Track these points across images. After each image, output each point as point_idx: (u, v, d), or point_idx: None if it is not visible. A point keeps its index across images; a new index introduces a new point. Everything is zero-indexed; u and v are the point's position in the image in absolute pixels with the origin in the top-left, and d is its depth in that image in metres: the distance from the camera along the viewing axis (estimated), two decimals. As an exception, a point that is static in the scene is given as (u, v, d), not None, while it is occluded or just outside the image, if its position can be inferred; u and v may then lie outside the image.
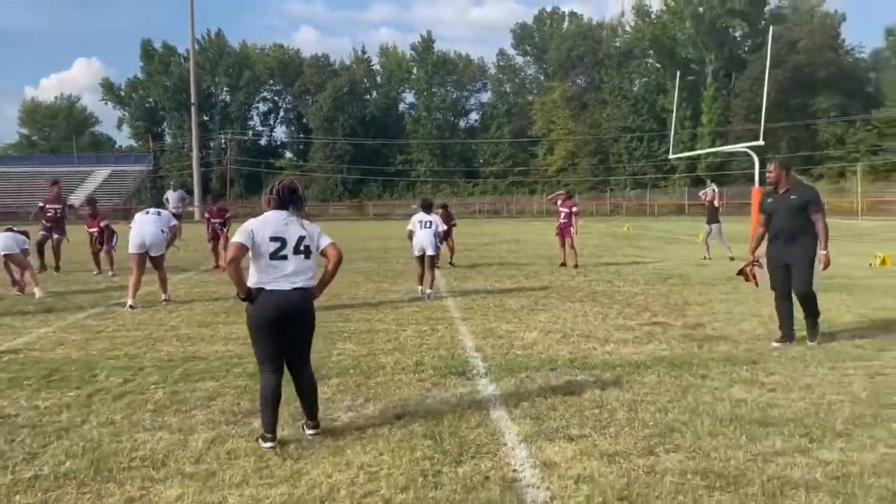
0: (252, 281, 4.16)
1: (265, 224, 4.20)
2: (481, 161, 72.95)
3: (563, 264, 13.99)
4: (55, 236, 14.09)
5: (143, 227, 9.51)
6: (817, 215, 6.57)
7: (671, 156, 36.08)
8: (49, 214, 14.26)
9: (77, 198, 62.47)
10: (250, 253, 4.15)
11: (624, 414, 4.63)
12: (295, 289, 4.15)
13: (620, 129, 64.89)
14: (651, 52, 67.89)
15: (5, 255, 10.35)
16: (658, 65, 67.50)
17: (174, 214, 11.92)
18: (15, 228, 11.02)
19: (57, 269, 13.70)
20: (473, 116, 79.28)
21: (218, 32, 77.13)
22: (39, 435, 4.33)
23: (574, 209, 14.25)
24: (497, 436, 4.26)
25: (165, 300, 9.67)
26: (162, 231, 9.65)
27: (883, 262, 13.63)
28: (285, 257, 4.16)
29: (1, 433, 4.37)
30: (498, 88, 76.06)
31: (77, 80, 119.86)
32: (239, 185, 70.72)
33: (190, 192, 47.36)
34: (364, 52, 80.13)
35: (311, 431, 4.28)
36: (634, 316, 8.38)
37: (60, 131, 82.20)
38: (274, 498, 3.42)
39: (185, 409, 4.85)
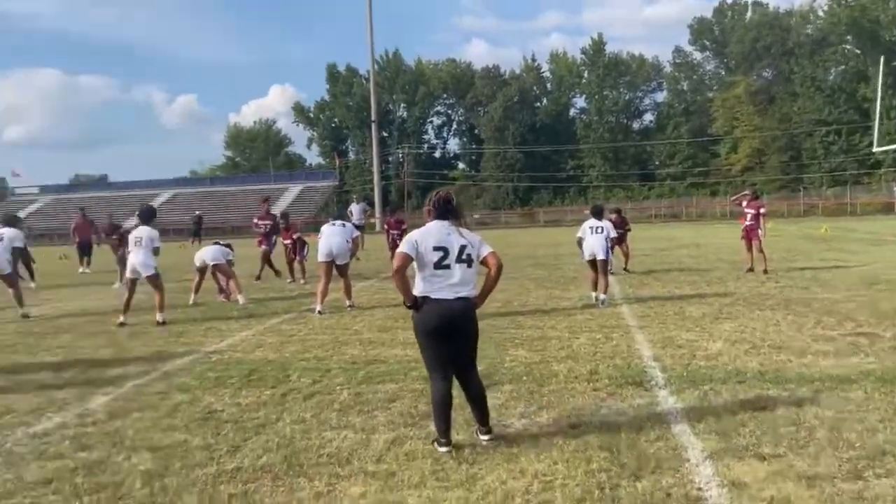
0: (418, 290, 4.27)
1: (428, 234, 4.30)
2: (657, 163, 70.18)
3: (751, 269, 13.04)
4: (263, 248, 15.47)
5: (330, 238, 10.17)
6: None
7: (876, 149, 32.62)
8: (260, 230, 15.74)
9: (275, 212, 67.94)
10: (415, 263, 4.26)
11: (825, 433, 4.20)
12: (458, 298, 4.20)
13: (814, 123, 59.56)
14: (849, 37, 61.59)
15: (213, 266, 11.51)
16: (857, 50, 61.14)
17: (357, 226, 12.62)
18: (221, 242, 12.24)
19: (258, 277, 14.99)
20: (648, 117, 76.56)
21: (395, 52, 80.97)
22: (241, 430, 4.74)
23: (761, 210, 13.26)
24: (679, 451, 4.03)
25: (350, 306, 10.25)
26: (346, 241, 10.26)
27: None
28: (448, 266, 4.22)
29: (209, 427, 4.83)
30: (674, 87, 72.82)
31: (273, 105, 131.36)
32: (416, 197, 73.56)
33: (371, 205, 50.03)
34: (534, 59, 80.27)
35: (484, 437, 4.31)
36: (836, 326, 7.61)
37: (259, 152, 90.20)
38: (451, 501, 3.48)
39: (368, 409, 5.09)
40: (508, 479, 3.70)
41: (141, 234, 9.61)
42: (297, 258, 14.52)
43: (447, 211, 4.38)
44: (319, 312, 9.75)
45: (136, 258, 9.50)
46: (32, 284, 15.18)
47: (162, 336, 8.54)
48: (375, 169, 60.83)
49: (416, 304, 4.25)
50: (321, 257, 10.12)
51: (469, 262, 4.27)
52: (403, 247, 4.29)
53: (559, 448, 4.13)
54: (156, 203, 69.31)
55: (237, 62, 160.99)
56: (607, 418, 4.68)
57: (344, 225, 10.55)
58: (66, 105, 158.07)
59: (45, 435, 4.76)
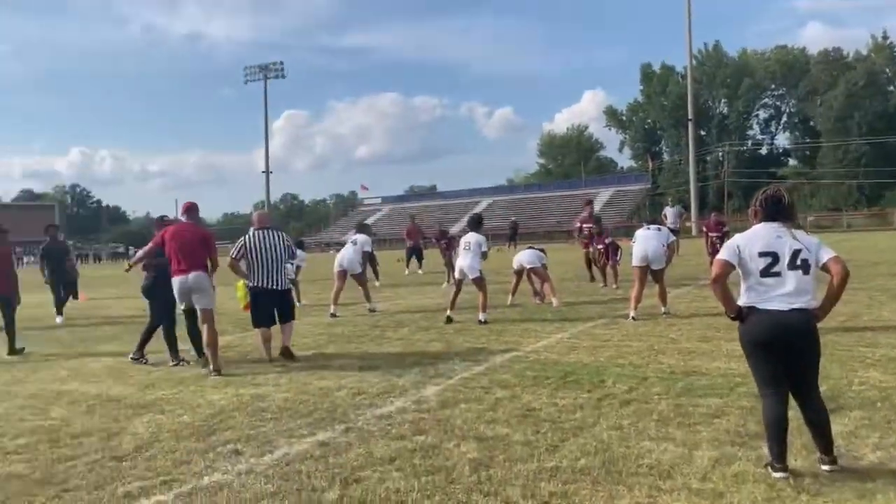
0: (743, 300, 3.89)
1: (754, 238, 3.89)
2: None
3: None
4: (592, 250, 15.74)
5: (646, 243, 9.91)
6: None
7: None
8: (585, 232, 16.04)
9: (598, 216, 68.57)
10: (739, 271, 3.90)
11: None
12: (793, 310, 3.72)
13: None
14: None
15: (529, 268, 11.97)
16: None
17: (672, 230, 12.12)
18: (535, 246, 12.69)
19: (592, 279, 15.32)
20: None
21: (715, 45, 76.33)
22: (558, 430, 4.81)
23: None
24: None
25: (665, 313, 9.87)
26: (662, 245, 9.92)
27: None
28: (779, 274, 3.77)
29: (528, 424, 4.99)
30: None
31: (585, 110, 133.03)
32: (737, 198, 68.32)
33: (686, 208, 47.77)
34: (885, 37, 69.36)
35: (826, 466, 3.78)
36: None
37: (571, 158, 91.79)
38: (788, 535, 3.12)
39: (689, 423, 4.81)
40: (862, 520, 3.20)
41: (470, 239, 10.42)
42: (610, 263, 14.42)
43: (777, 211, 3.93)
44: (633, 318, 9.55)
45: (465, 261, 10.29)
46: (377, 283, 17.31)
47: (483, 334, 9.10)
48: (692, 170, 57.94)
49: (741, 314, 3.90)
50: (636, 262, 9.91)
51: (805, 268, 3.78)
52: (724, 253, 3.97)
53: (930, 492, 3.46)
54: (476, 210, 74.64)
55: (550, 72, 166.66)
56: None
57: (659, 229, 10.24)
58: (404, 124, 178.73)
59: (388, 417, 5.35)
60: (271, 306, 7.96)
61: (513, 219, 45.80)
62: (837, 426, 4.12)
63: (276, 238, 8.03)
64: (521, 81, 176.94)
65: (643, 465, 4.04)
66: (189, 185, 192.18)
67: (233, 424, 5.34)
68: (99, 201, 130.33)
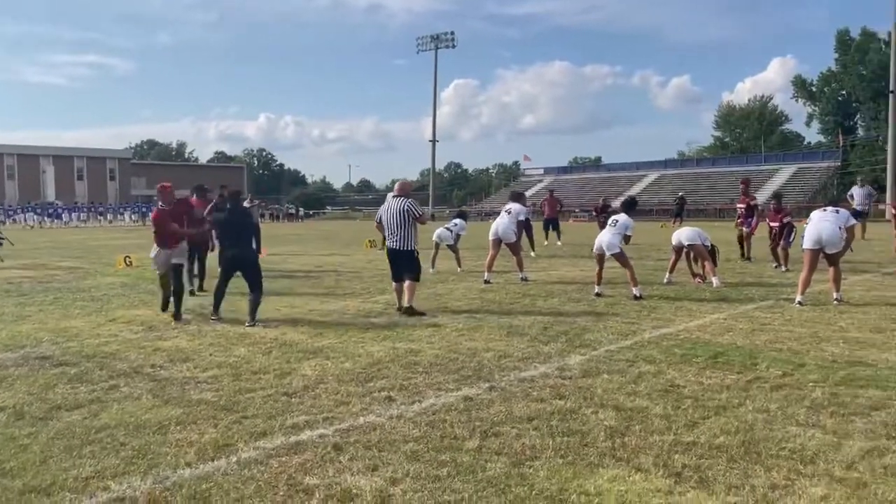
0: None
1: None
2: None
3: None
4: (745, 230, 15.19)
5: (819, 224, 9.30)
6: None
7: None
8: (739, 212, 15.56)
9: (762, 196, 64.39)
10: None
11: None
12: None
13: None
14: None
15: (688, 245, 11.60)
16: None
17: (858, 212, 11.23)
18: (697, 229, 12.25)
19: (747, 258, 14.91)
20: None
21: (928, 6, 67.62)
22: (700, 408, 4.79)
23: None
24: None
25: (837, 300, 9.23)
26: (839, 229, 9.25)
27: None
28: None
29: (669, 399, 5.01)
30: None
31: (772, 80, 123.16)
32: (945, 180, 60.85)
33: (881, 188, 43.34)
34: None
35: None
36: None
37: (752, 132, 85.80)
38: (935, 532, 2.99)
39: (843, 412, 4.61)
40: None
41: (619, 218, 10.46)
42: (782, 244, 13.58)
43: None
44: (800, 304, 9.03)
45: (605, 237, 10.36)
46: (532, 254, 17.47)
47: (635, 309, 9.02)
48: (890, 147, 52.17)
49: None
50: (807, 244, 9.33)
51: None
52: None
53: None
54: (642, 184, 72.23)
55: (734, 38, 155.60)
56: None
57: (837, 211, 9.53)
58: (572, 93, 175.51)
59: (530, 380, 5.57)
60: (397, 264, 9.00)
61: (680, 194, 43.90)
62: None
63: (400, 205, 8.95)
64: (703, 48, 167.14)
65: (785, 449, 3.97)
66: (363, 150, 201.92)
67: (387, 374, 5.81)
68: (281, 165, 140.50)
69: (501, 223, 12.52)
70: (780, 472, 3.66)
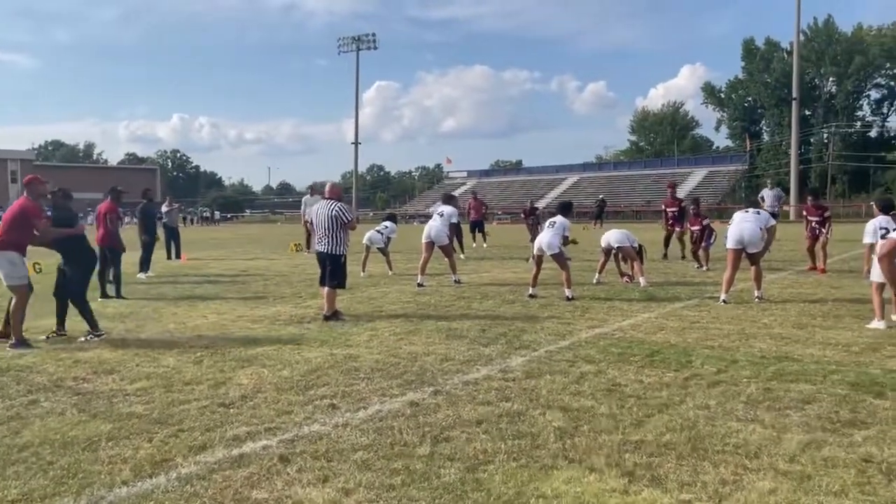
0: None
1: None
2: None
3: None
4: (678, 229, 15.79)
5: (741, 225, 9.67)
6: None
7: None
8: (669, 215, 16.10)
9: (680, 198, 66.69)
10: None
11: None
12: None
13: None
14: None
15: (617, 247, 11.88)
16: None
17: (771, 214, 11.75)
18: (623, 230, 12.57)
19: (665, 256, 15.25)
20: None
21: (827, 20, 71.98)
22: (644, 406, 4.86)
23: None
24: None
25: (758, 297, 9.62)
26: (759, 229, 9.64)
27: None
28: None
29: (613, 398, 5.06)
30: None
31: (683, 86, 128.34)
32: (841, 183, 64.91)
33: (786, 191, 45.73)
34: None
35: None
36: None
37: (664, 136, 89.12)
38: (879, 520, 3.11)
39: (779, 407, 4.77)
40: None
41: (556, 220, 10.55)
42: (703, 245, 14.09)
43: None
44: (724, 302, 9.36)
45: (545, 238, 10.42)
46: (462, 256, 17.51)
47: (569, 310, 9.14)
48: (793, 152, 55.25)
49: None
50: (730, 244, 9.69)
51: None
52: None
53: None
54: (562, 187, 73.75)
55: (646, 46, 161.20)
56: None
57: (758, 212, 9.95)
58: (492, 98, 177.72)
59: (475, 383, 5.53)
60: (324, 267, 8.79)
61: (600, 196, 45.09)
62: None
63: (330, 209, 8.72)
64: (617, 55, 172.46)
65: (730, 445, 4.06)
66: (282, 153, 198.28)
67: (328, 381, 5.65)
68: (197, 167, 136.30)
69: (434, 226, 12.46)
70: (727, 467, 3.73)
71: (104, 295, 10.78)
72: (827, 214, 13.48)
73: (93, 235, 9.55)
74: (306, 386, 5.51)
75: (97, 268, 9.06)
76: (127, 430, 4.49)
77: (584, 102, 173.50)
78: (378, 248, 14.22)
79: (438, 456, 3.96)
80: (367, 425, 4.52)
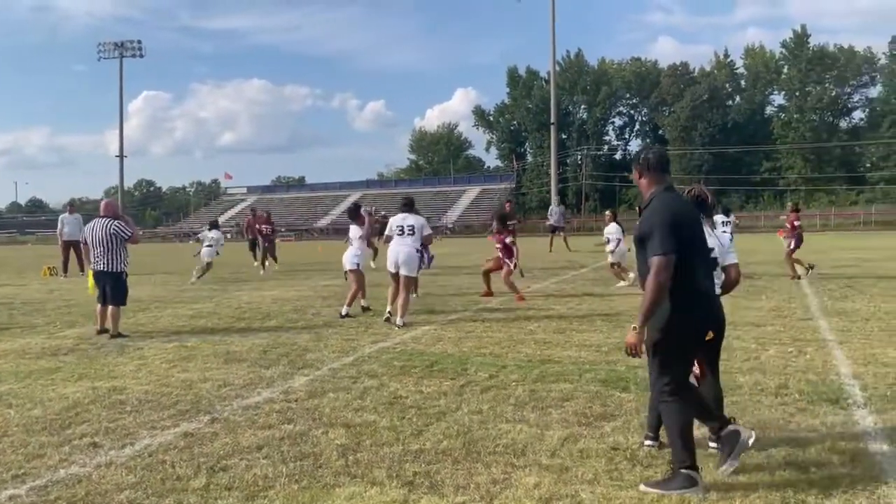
0: None
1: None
2: (868, 165, 63.66)
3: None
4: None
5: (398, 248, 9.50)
6: None
7: None
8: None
9: (452, 215, 70.00)
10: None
11: None
12: None
13: None
14: None
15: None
16: None
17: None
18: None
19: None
20: (858, 115, 69.66)
21: (578, 53, 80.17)
22: (423, 415, 5.05)
23: None
24: (876, 472, 3.76)
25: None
26: (416, 251, 9.52)
27: None
28: None
29: (394, 411, 5.20)
30: (892, 81, 65.52)
31: (456, 108, 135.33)
32: (593, 199, 72.37)
33: (545, 207, 49.84)
34: (726, 55, 75.97)
35: (648, 443, 4.25)
36: None
37: (441, 156, 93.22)
38: (624, 499, 3.52)
39: (542, 406, 5.21)
40: (684, 485, 3.65)
41: (353, 234, 10.78)
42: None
43: (699, 209, 4.11)
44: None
45: (346, 254, 10.69)
46: (262, 272, 16.88)
47: (353, 326, 9.21)
48: (553, 171, 60.59)
49: None
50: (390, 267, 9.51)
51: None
52: None
53: (740, 459, 3.99)
54: (345, 204, 73.96)
55: (423, 68, 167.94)
56: (796, 434, 4.44)
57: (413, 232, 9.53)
58: (273, 112, 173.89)
59: (255, 407, 5.36)
60: (103, 287, 8.80)
61: (382, 213, 45.88)
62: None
63: (106, 227, 8.72)
64: (395, 76, 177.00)
65: (500, 445, 4.36)
66: (33, 166, 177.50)
67: (89, 418, 5.15)
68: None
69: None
70: (498, 467, 4.00)
71: None
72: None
73: None
74: (62, 425, 4.98)
75: None
76: None
77: (365, 120, 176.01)
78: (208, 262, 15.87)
79: (215, 487, 3.79)
80: (135, 462, 4.19)
